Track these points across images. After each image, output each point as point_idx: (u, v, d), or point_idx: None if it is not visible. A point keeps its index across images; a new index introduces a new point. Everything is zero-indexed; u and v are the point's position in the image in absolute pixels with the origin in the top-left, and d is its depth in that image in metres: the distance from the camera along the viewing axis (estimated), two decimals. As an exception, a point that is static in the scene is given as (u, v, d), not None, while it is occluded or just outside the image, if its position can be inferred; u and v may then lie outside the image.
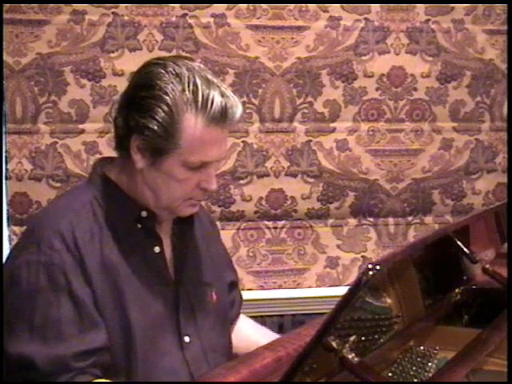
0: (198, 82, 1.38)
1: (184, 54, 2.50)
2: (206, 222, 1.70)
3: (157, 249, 1.49)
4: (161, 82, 1.38)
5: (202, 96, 1.38)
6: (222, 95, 1.39)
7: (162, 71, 1.39)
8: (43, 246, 1.39)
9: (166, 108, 1.37)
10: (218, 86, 1.40)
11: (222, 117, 1.40)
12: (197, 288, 1.56)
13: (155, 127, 1.38)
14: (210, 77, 1.41)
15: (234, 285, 1.74)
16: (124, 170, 1.48)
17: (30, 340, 1.35)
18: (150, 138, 1.39)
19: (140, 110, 1.39)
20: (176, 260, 1.53)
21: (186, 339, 1.50)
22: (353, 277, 2.69)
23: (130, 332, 1.42)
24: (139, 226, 1.48)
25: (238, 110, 1.43)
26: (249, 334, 1.75)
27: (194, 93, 1.38)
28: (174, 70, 1.39)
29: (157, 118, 1.38)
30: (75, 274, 1.38)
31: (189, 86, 1.38)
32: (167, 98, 1.37)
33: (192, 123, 1.38)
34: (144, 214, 1.48)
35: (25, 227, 1.67)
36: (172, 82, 1.38)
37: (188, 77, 1.38)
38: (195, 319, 1.53)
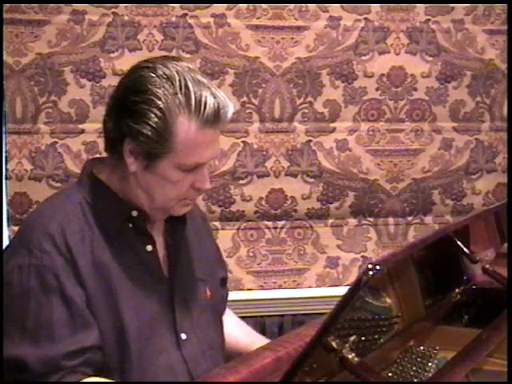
0: (190, 84, 1.38)
1: (184, 54, 2.50)
2: (198, 219, 1.70)
3: (149, 247, 1.49)
4: (152, 86, 1.37)
5: (195, 99, 1.37)
6: (214, 96, 1.39)
7: (153, 75, 1.38)
8: (34, 249, 1.38)
9: (158, 113, 1.37)
10: (208, 87, 1.40)
11: (215, 118, 1.39)
12: (191, 284, 1.56)
13: (149, 132, 1.37)
14: (200, 78, 1.40)
15: (224, 280, 1.74)
16: (115, 172, 1.48)
17: (22, 342, 1.35)
18: (144, 142, 1.38)
19: (132, 116, 1.38)
20: (169, 258, 1.53)
21: (183, 336, 1.50)
22: (353, 277, 2.69)
23: (123, 331, 1.41)
24: (130, 225, 1.47)
25: (230, 110, 1.42)
26: (230, 331, 1.74)
27: (187, 95, 1.37)
28: (164, 73, 1.38)
29: (150, 123, 1.37)
30: (67, 276, 1.38)
31: (181, 89, 1.37)
32: (159, 102, 1.36)
33: (185, 127, 1.38)
34: (135, 213, 1.47)
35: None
36: (163, 86, 1.37)
37: (179, 80, 1.38)
38: (191, 316, 1.53)
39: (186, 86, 1.37)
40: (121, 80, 1.48)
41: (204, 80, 1.41)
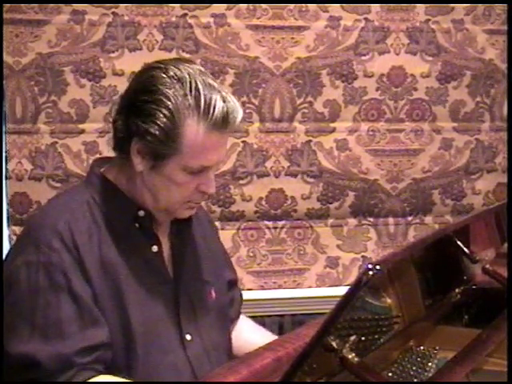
0: (200, 86, 1.38)
1: (184, 54, 2.50)
2: (205, 221, 1.70)
3: (154, 248, 1.49)
4: (162, 86, 1.38)
5: (204, 102, 1.38)
6: (224, 100, 1.40)
7: (164, 76, 1.39)
8: (42, 246, 1.39)
9: (167, 113, 1.37)
10: (219, 91, 1.40)
11: (223, 122, 1.40)
12: (196, 286, 1.57)
13: (156, 132, 1.38)
14: (211, 81, 1.41)
15: (233, 283, 1.74)
16: (123, 171, 1.49)
17: (31, 339, 1.35)
18: (151, 142, 1.39)
19: (141, 115, 1.39)
20: (174, 259, 1.54)
21: (188, 337, 1.51)
22: (353, 277, 2.69)
23: (130, 330, 1.42)
24: (137, 225, 1.48)
25: (239, 115, 1.43)
26: (249, 336, 1.74)
27: (196, 98, 1.38)
28: (175, 74, 1.39)
29: (158, 123, 1.38)
30: (74, 273, 1.39)
31: (191, 92, 1.38)
32: (169, 103, 1.37)
33: (194, 129, 1.39)
34: (141, 213, 1.48)
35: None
36: (174, 87, 1.38)
37: (190, 82, 1.38)
38: (195, 317, 1.54)
39: (197, 89, 1.38)
40: (132, 79, 1.48)
41: (215, 84, 1.41)
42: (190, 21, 2.52)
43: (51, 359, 1.34)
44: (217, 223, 2.56)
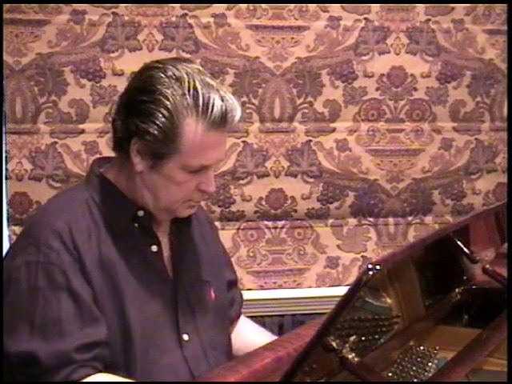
0: (198, 86, 1.39)
1: (184, 54, 2.50)
2: (205, 222, 1.70)
3: (154, 248, 1.50)
4: (161, 86, 1.39)
5: (203, 101, 1.38)
6: (222, 99, 1.40)
7: (162, 75, 1.40)
8: (41, 246, 1.39)
9: (166, 113, 1.38)
10: (217, 90, 1.41)
11: (222, 121, 1.41)
12: (195, 286, 1.57)
13: (155, 132, 1.39)
14: (209, 80, 1.42)
15: (233, 283, 1.74)
16: (122, 171, 1.49)
17: (32, 338, 1.35)
18: (150, 142, 1.40)
19: (140, 115, 1.40)
20: (174, 258, 1.54)
21: (185, 337, 1.51)
22: (353, 277, 2.69)
23: (128, 329, 1.42)
24: (136, 225, 1.48)
25: (238, 113, 1.43)
26: (249, 337, 1.74)
27: (195, 97, 1.38)
28: (174, 74, 1.40)
29: (157, 122, 1.38)
30: (74, 273, 1.39)
31: (189, 91, 1.38)
32: (167, 102, 1.38)
33: (192, 128, 1.39)
34: (141, 213, 1.48)
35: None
36: (172, 87, 1.38)
37: (188, 81, 1.39)
38: (194, 317, 1.54)
39: (195, 88, 1.39)
40: (131, 79, 1.49)
41: (213, 83, 1.42)
42: (190, 21, 2.52)
43: (51, 356, 1.34)
44: (217, 223, 2.57)
